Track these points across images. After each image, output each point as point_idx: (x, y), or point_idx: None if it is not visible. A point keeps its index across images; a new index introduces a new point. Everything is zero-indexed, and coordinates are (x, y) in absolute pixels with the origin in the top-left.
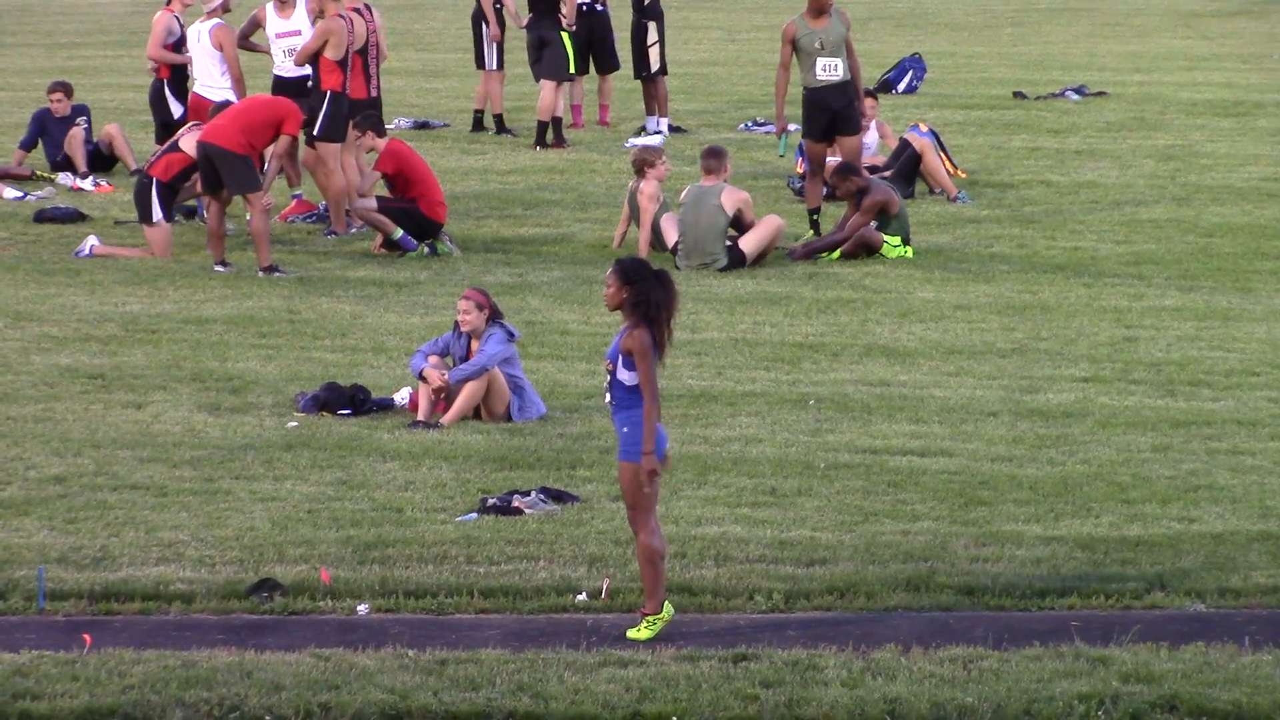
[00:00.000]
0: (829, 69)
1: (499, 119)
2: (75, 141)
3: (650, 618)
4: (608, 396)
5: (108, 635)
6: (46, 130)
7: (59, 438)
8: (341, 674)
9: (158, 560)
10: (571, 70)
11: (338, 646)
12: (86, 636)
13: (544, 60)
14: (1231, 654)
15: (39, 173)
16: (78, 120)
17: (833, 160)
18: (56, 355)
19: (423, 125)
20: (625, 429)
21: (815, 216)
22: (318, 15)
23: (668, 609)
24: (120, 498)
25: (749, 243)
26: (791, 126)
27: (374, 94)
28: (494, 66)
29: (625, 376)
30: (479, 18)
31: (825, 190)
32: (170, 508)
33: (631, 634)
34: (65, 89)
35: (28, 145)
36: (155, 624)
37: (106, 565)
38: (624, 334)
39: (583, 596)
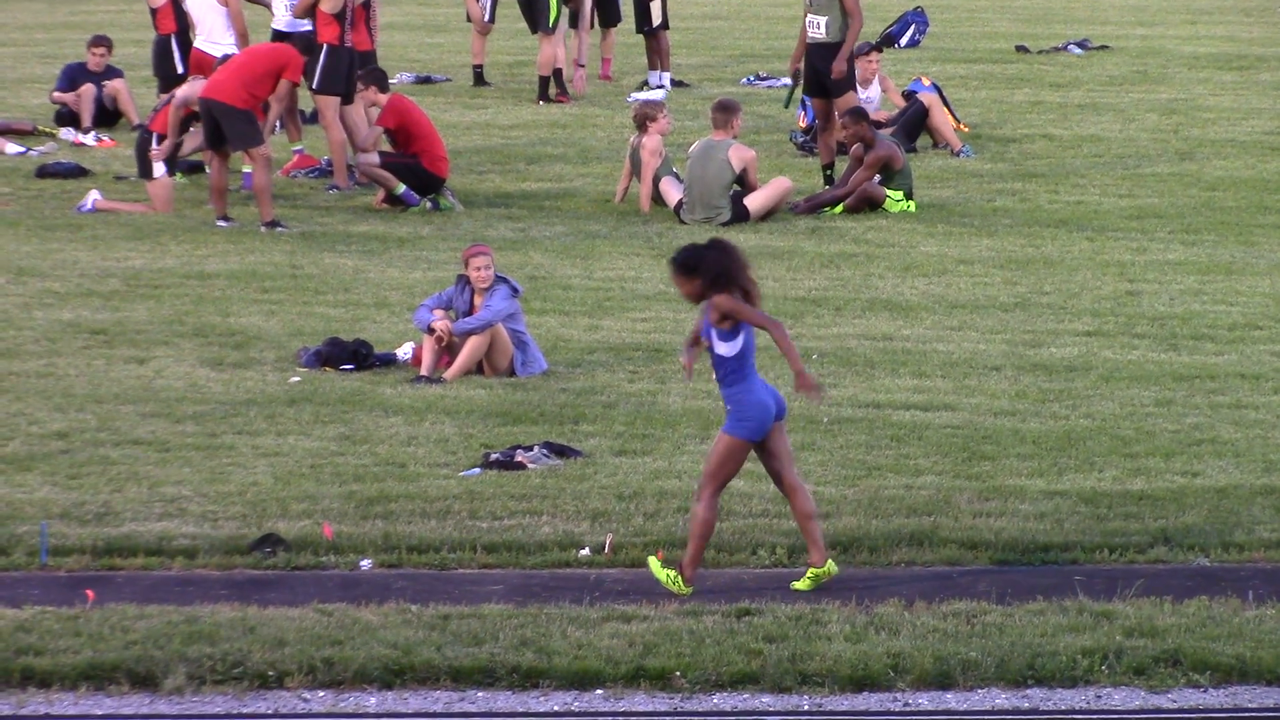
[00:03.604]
0: (814, 26)
1: (482, 70)
2: (85, 97)
3: (676, 575)
4: (715, 375)
5: (110, 591)
6: (75, 84)
7: (61, 393)
8: (345, 629)
9: (160, 516)
10: (550, 23)
11: (341, 602)
12: (89, 592)
13: (533, 15)
14: (1235, 608)
15: (41, 128)
16: (106, 82)
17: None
18: (58, 311)
19: (425, 80)
20: (730, 406)
21: (829, 172)
22: None
23: (689, 591)
24: (122, 453)
25: (755, 201)
26: (772, 81)
27: (374, 48)
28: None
29: (723, 349)
30: None
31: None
32: (173, 463)
33: (652, 561)
34: (108, 45)
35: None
36: (158, 579)
37: (109, 521)
38: (706, 308)
39: (586, 551)
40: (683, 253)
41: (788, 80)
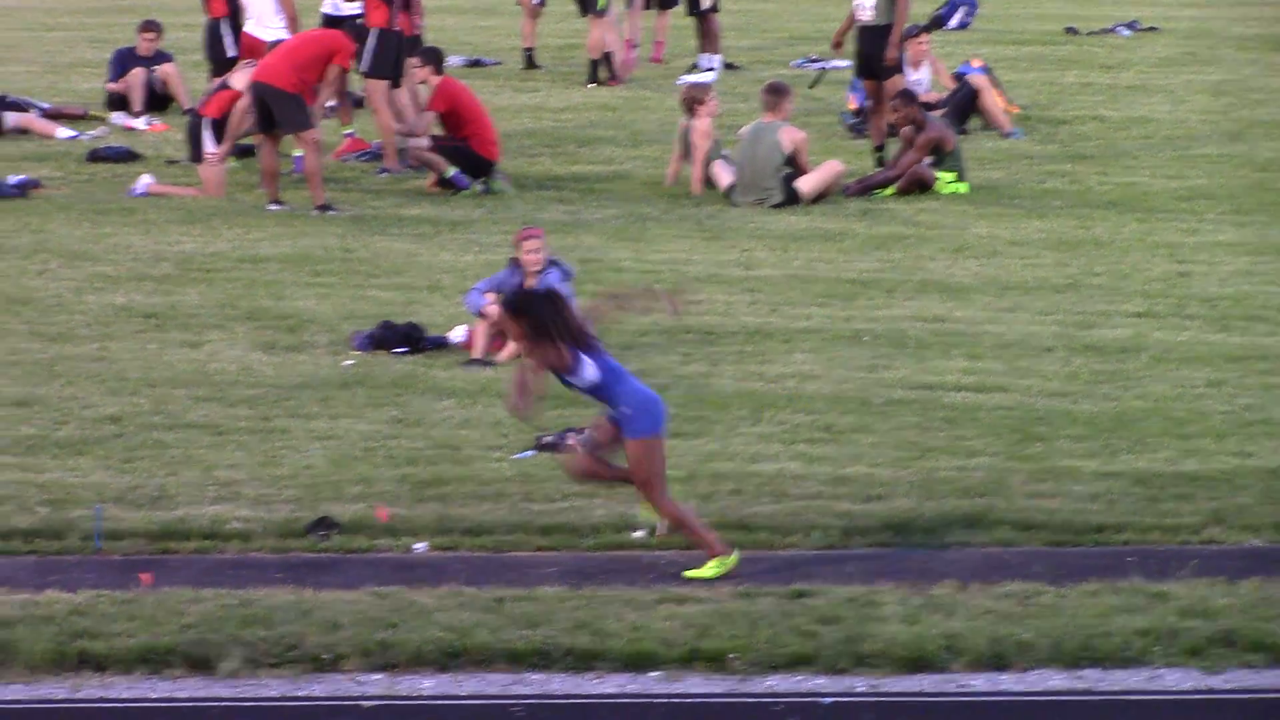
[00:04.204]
0: (863, 9)
1: (533, 53)
2: (135, 81)
3: (715, 561)
4: (599, 402)
5: (165, 574)
6: (126, 70)
7: (115, 377)
8: (400, 612)
9: (214, 499)
10: (600, 5)
11: (396, 585)
12: (144, 576)
13: None
14: None
15: (92, 112)
16: (155, 67)
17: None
18: (111, 295)
19: (475, 63)
20: (625, 409)
21: (880, 154)
22: None
23: (735, 556)
24: (177, 437)
25: (807, 183)
26: (823, 63)
27: (417, 33)
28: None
29: (587, 376)
30: None
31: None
32: (227, 447)
33: (690, 573)
34: (158, 29)
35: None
36: (212, 563)
37: (163, 504)
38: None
39: (640, 534)
40: (514, 299)
41: (837, 63)
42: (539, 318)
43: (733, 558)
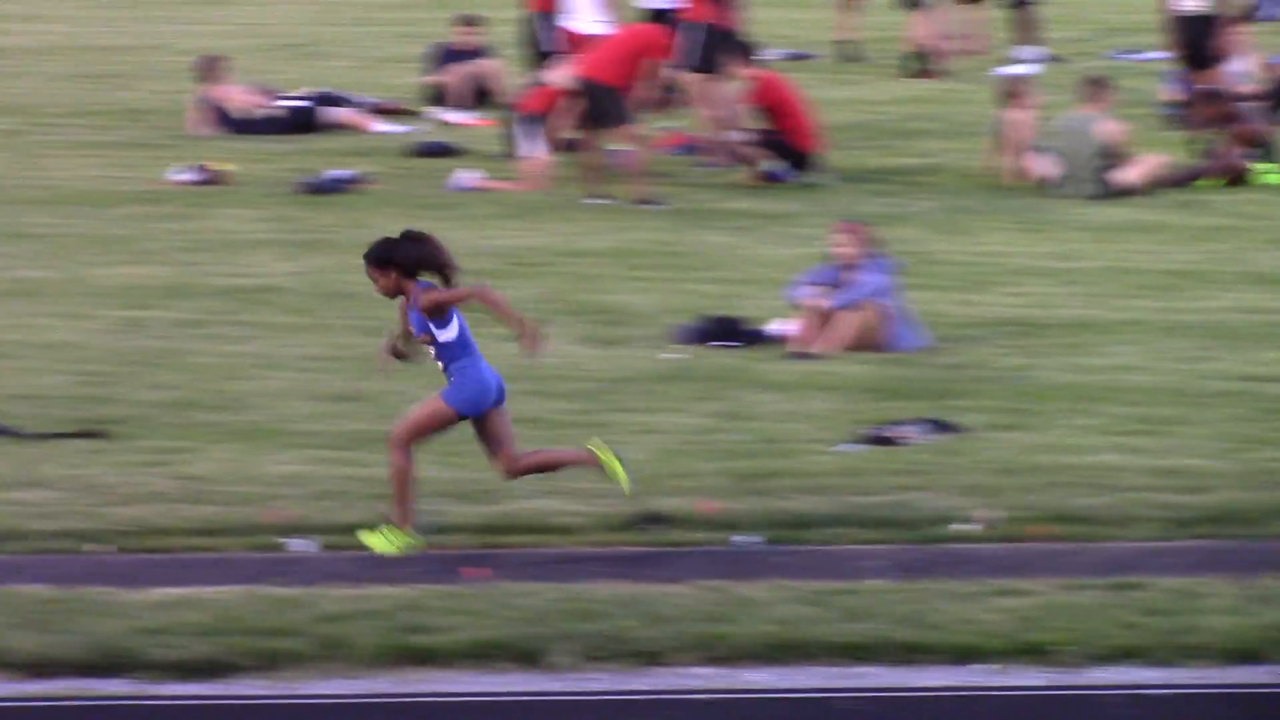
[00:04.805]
0: None
1: (845, 45)
2: (454, 76)
3: (389, 535)
4: (440, 365)
5: (492, 568)
6: (445, 65)
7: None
8: (725, 605)
9: (541, 493)
10: None
11: (720, 578)
12: (472, 571)
13: None
14: None
15: (409, 107)
16: (474, 62)
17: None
18: None
19: (795, 57)
20: (453, 378)
21: (1201, 145)
22: None
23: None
24: None
25: (1125, 175)
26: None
27: (737, 25)
28: None
29: (443, 336)
30: None
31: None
32: (552, 440)
33: (368, 538)
34: (478, 23)
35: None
36: (539, 557)
37: (489, 499)
38: (412, 305)
39: (965, 526)
40: (376, 246)
41: (1156, 54)
42: (407, 259)
43: (419, 541)
